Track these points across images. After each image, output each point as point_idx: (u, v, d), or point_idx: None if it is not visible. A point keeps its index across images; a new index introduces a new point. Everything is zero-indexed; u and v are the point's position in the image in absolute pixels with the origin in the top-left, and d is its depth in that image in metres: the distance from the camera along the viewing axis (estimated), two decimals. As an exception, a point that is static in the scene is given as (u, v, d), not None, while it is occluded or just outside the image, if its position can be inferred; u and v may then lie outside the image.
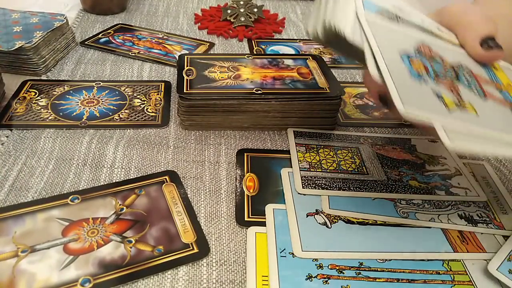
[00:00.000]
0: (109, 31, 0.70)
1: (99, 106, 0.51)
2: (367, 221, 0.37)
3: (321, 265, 0.33)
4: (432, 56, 0.34)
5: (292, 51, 0.68)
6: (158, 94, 0.54)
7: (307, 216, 0.37)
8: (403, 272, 0.33)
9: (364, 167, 0.43)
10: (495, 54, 0.37)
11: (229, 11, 0.76)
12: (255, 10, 0.76)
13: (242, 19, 0.74)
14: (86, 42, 0.65)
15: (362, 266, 0.34)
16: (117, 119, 0.49)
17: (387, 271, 0.33)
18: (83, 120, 0.48)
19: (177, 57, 0.58)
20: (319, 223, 0.37)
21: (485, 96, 0.34)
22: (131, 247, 0.34)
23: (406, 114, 0.28)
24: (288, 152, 0.45)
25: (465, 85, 0.34)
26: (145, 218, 0.36)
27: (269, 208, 0.38)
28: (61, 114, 0.49)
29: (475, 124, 0.31)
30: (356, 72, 0.63)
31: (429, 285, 0.33)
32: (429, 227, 0.37)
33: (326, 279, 0.32)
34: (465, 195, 0.41)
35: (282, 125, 0.49)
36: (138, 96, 0.53)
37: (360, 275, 0.33)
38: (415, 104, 0.29)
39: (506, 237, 0.37)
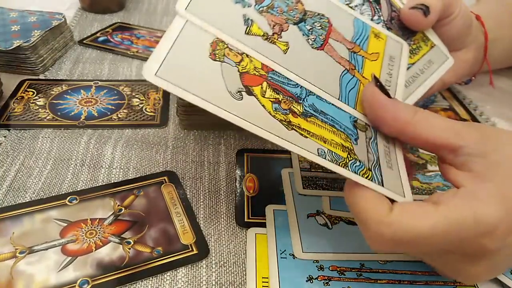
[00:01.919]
0: (107, 30, 0.70)
1: (97, 105, 0.50)
2: (368, 221, 0.37)
3: (321, 266, 0.33)
4: None
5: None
6: (156, 94, 0.53)
7: (308, 217, 0.37)
8: (405, 273, 0.33)
9: (364, 167, 0.43)
10: (418, 16, 0.38)
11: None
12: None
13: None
14: (84, 41, 0.65)
15: (363, 267, 0.33)
16: (115, 119, 0.48)
17: (389, 273, 0.33)
18: (81, 120, 0.48)
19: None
20: (320, 224, 0.37)
21: (320, 48, 0.33)
22: (129, 248, 0.33)
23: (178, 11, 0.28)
24: (288, 152, 0.45)
25: (303, 32, 0.33)
26: (144, 219, 0.36)
27: (269, 209, 0.38)
28: (59, 114, 0.48)
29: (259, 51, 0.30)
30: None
31: (431, 287, 0.32)
32: (431, 228, 0.37)
33: (327, 281, 0.32)
34: None
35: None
36: (137, 96, 0.53)
37: (361, 277, 0.33)
38: (200, 11, 0.28)
39: (508, 238, 0.37)
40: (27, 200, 0.37)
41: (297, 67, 0.31)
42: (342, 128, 0.30)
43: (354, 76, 0.33)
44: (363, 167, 0.29)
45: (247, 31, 0.30)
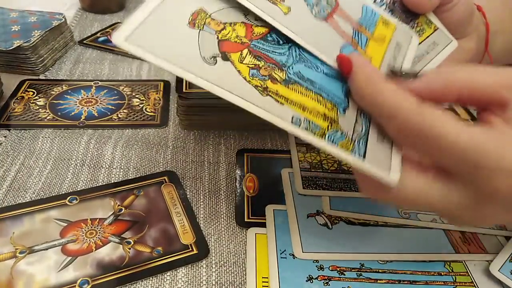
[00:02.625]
0: (107, 30, 0.70)
1: (98, 105, 0.50)
2: (368, 222, 0.37)
3: (321, 266, 0.33)
4: None
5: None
6: (157, 94, 0.53)
7: (308, 217, 0.37)
8: (405, 273, 0.33)
9: (364, 167, 0.43)
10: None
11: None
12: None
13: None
14: (84, 41, 0.65)
15: (363, 267, 0.33)
16: (115, 119, 0.48)
17: (389, 273, 0.33)
18: (81, 120, 0.48)
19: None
20: (320, 224, 0.37)
21: (325, 19, 0.32)
22: (129, 248, 0.33)
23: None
24: (288, 152, 0.45)
25: (307, 2, 0.31)
26: (144, 219, 0.36)
27: (269, 209, 0.38)
28: (59, 114, 0.48)
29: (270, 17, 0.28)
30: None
31: (431, 287, 0.32)
32: (431, 228, 0.37)
33: (327, 281, 0.32)
34: None
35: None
36: (137, 96, 0.53)
37: (361, 277, 0.33)
38: None
39: (508, 238, 0.37)
40: (27, 200, 0.37)
41: (298, 29, 0.29)
42: (330, 97, 0.28)
43: (356, 50, 0.32)
44: (343, 138, 0.27)
45: None
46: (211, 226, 0.36)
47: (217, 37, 0.27)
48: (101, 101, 0.51)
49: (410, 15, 0.40)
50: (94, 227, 0.35)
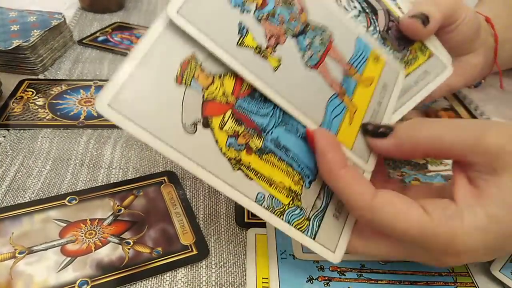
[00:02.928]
0: (107, 29, 0.69)
1: (97, 105, 0.50)
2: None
3: (322, 267, 0.33)
4: (290, 1, 0.30)
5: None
6: (156, 94, 0.53)
7: (308, 217, 0.37)
8: (405, 274, 0.33)
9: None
10: (416, 26, 0.38)
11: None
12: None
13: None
14: (84, 41, 0.65)
15: (363, 268, 0.33)
16: (115, 119, 0.48)
17: (389, 273, 0.33)
18: (80, 120, 0.48)
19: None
20: (320, 224, 0.36)
21: (315, 67, 0.31)
22: (129, 249, 0.33)
23: (169, 13, 0.25)
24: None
25: (300, 46, 0.30)
26: (144, 219, 0.36)
27: (269, 209, 0.37)
28: (58, 113, 0.48)
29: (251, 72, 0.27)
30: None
31: (432, 287, 0.32)
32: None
33: (327, 281, 0.32)
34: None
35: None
36: (137, 96, 0.52)
37: (361, 277, 0.32)
38: (194, 16, 0.25)
39: (508, 238, 0.37)
40: (27, 200, 0.37)
41: (284, 88, 0.29)
42: (300, 168, 0.29)
43: (342, 101, 0.32)
44: (301, 216, 0.28)
45: (239, 42, 0.27)
46: (211, 226, 0.36)
47: (203, 97, 0.26)
48: (100, 101, 0.51)
49: (404, 42, 0.39)
50: (94, 228, 0.35)
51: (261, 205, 0.27)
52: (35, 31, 0.55)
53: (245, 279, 0.32)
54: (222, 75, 0.27)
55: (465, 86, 0.50)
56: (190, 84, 0.26)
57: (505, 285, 0.33)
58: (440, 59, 0.40)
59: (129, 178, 0.41)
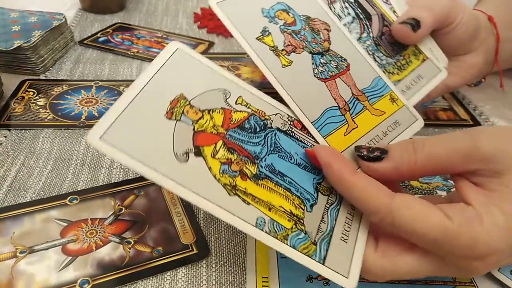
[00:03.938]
0: (108, 30, 0.70)
1: (98, 106, 0.50)
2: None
3: (321, 266, 0.33)
4: (318, 30, 0.35)
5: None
6: (157, 94, 0.53)
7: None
8: (404, 273, 0.33)
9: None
10: (406, 31, 0.39)
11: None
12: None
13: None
14: (84, 41, 0.65)
15: (363, 267, 0.33)
16: (116, 119, 0.48)
17: (388, 272, 0.33)
18: (81, 120, 0.48)
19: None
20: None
21: (325, 80, 0.33)
22: (130, 248, 0.33)
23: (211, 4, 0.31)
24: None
25: (314, 61, 0.33)
26: (144, 219, 0.36)
27: (269, 209, 0.38)
28: (59, 114, 0.48)
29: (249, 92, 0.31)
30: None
31: (431, 286, 0.32)
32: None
33: (327, 281, 0.32)
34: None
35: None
36: (137, 96, 0.53)
37: (361, 276, 0.32)
38: (228, 8, 0.31)
39: (507, 238, 0.37)
40: (28, 200, 0.38)
41: (287, 83, 0.31)
42: (299, 192, 0.28)
43: (343, 115, 0.32)
44: (306, 240, 0.27)
45: (259, 38, 0.31)
46: (211, 226, 0.36)
47: (193, 128, 0.27)
48: (101, 101, 0.51)
49: (398, 47, 0.40)
50: (95, 227, 0.35)
51: (262, 230, 0.26)
52: (36, 31, 0.56)
53: (245, 279, 0.32)
54: (211, 111, 0.28)
55: (463, 85, 0.50)
56: (180, 119, 0.27)
57: (504, 285, 0.33)
58: (434, 63, 0.40)
59: (130, 178, 0.41)
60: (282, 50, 0.32)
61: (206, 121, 0.27)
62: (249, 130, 0.29)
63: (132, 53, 0.62)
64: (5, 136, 0.45)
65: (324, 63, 0.33)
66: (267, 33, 0.32)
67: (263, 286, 0.31)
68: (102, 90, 0.53)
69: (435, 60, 0.40)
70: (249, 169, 0.27)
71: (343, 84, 0.33)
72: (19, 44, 0.53)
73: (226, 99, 0.29)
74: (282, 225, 0.27)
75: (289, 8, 0.35)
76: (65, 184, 0.40)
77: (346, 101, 0.33)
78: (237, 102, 0.29)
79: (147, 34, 0.69)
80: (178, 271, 0.33)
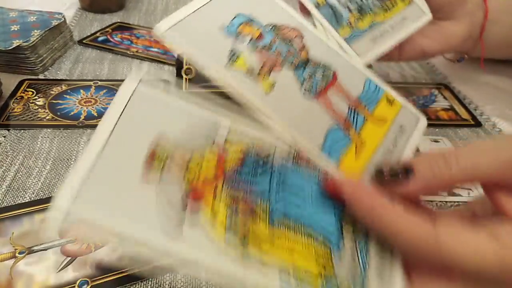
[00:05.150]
0: (107, 29, 0.69)
1: (97, 105, 0.50)
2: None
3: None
4: (290, 39, 0.29)
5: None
6: (157, 94, 0.53)
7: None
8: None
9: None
10: None
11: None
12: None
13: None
14: (84, 41, 0.65)
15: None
16: (115, 119, 0.48)
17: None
18: (80, 120, 0.48)
19: (176, 56, 0.57)
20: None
21: (316, 96, 0.28)
22: (129, 249, 0.33)
23: (157, 33, 0.24)
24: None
25: (298, 77, 0.28)
26: (144, 219, 0.36)
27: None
28: (58, 113, 0.48)
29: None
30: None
31: (431, 287, 0.32)
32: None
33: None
34: (467, 195, 0.41)
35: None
36: (137, 96, 0.52)
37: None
38: (182, 33, 0.25)
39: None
40: (27, 200, 0.37)
41: (276, 112, 0.26)
42: (322, 236, 0.24)
43: (347, 134, 0.28)
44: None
45: (228, 64, 0.26)
46: (211, 226, 0.36)
47: (182, 187, 0.22)
48: (100, 101, 0.51)
49: None
50: (94, 228, 0.35)
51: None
52: (35, 31, 0.55)
53: (245, 279, 0.32)
54: (200, 155, 0.24)
55: (439, 53, 0.48)
56: (160, 180, 0.22)
57: (505, 285, 0.33)
58: (420, 6, 0.40)
59: (129, 178, 0.40)
60: (259, 73, 0.27)
61: (197, 166, 0.23)
62: (250, 175, 0.24)
63: (131, 53, 0.62)
64: (4, 136, 0.45)
65: (309, 75, 0.29)
66: (235, 56, 0.26)
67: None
68: (101, 90, 0.53)
69: (420, 4, 0.40)
70: (259, 208, 0.23)
71: (336, 96, 0.29)
72: (18, 44, 0.53)
73: (213, 141, 0.25)
74: (308, 281, 0.22)
75: (250, 20, 0.29)
76: (64, 184, 0.39)
77: (345, 116, 0.29)
78: (227, 140, 0.25)
79: (146, 34, 0.69)
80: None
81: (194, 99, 0.25)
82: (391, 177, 0.25)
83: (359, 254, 0.25)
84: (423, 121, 0.33)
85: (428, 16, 0.40)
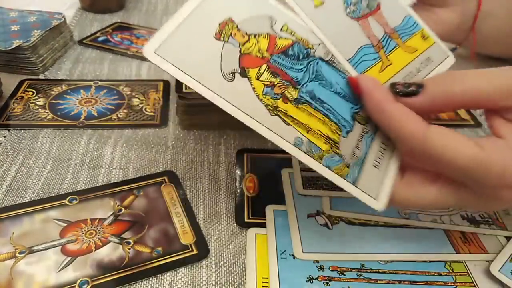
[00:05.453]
0: (107, 29, 0.69)
1: (97, 105, 0.50)
2: (368, 222, 0.37)
3: (322, 266, 0.33)
4: None
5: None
6: (156, 94, 0.53)
7: (308, 217, 0.37)
8: (405, 273, 0.33)
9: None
10: None
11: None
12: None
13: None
14: (84, 41, 0.65)
15: (363, 267, 0.33)
16: (115, 119, 0.48)
17: (389, 273, 0.33)
18: (81, 120, 0.48)
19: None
20: (320, 224, 0.36)
21: (358, 19, 0.33)
22: (129, 249, 0.33)
23: (146, 56, 0.27)
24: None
25: (346, 0, 0.33)
26: (144, 219, 0.36)
27: (270, 209, 0.37)
28: (58, 114, 0.48)
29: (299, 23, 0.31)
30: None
31: (431, 287, 0.32)
32: (431, 228, 0.37)
33: (327, 281, 0.32)
34: None
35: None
36: (137, 96, 0.53)
37: (361, 277, 0.32)
38: (175, 55, 0.28)
39: (508, 238, 0.37)
40: (27, 200, 0.37)
41: (320, 23, 0.31)
42: (336, 119, 0.30)
43: (377, 52, 0.33)
44: (340, 162, 0.29)
45: None
46: (211, 226, 0.36)
47: (240, 51, 0.29)
48: (100, 101, 0.51)
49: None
50: (94, 227, 0.35)
51: (299, 148, 0.28)
52: (35, 31, 0.55)
53: (245, 279, 0.32)
54: (257, 35, 0.29)
55: None
56: (227, 40, 0.28)
57: (504, 285, 0.33)
58: (442, 47, 0.39)
59: (130, 178, 0.41)
60: None
61: (252, 44, 0.29)
62: (293, 57, 0.30)
63: (131, 53, 0.62)
64: (4, 136, 0.45)
65: (355, 2, 0.33)
66: None
67: (263, 286, 0.31)
68: (101, 90, 0.53)
69: (442, 45, 0.39)
70: (290, 93, 0.29)
71: (375, 22, 0.34)
72: (18, 44, 0.53)
73: (272, 25, 0.30)
74: (318, 146, 0.29)
75: None
76: (65, 184, 0.40)
77: (379, 39, 0.33)
78: (282, 29, 0.30)
79: (146, 34, 0.69)
80: (178, 271, 0.33)
81: None
82: (404, 89, 0.29)
83: (363, 144, 0.30)
84: (451, 58, 0.36)
85: (452, 58, 0.38)
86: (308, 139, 0.28)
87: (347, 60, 0.32)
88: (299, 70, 0.30)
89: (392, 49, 0.34)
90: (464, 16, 0.47)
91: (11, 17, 0.59)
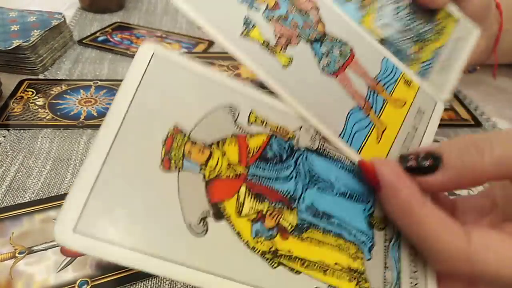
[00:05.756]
0: (107, 29, 0.69)
1: (97, 105, 0.50)
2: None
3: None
4: (306, 11, 0.27)
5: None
6: (156, 94, 0.53)
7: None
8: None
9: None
10: None
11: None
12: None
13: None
14: (84, 41, 0.65)
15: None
16: (115, 119, 0.48)
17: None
18: (80, 120, 0.48)
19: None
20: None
21: (335, 74, 0.26)
22: (129, 249, 0.33)
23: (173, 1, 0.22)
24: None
25: (316, 52, 0.26)
26: (144, 219, 0.36)
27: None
28: (58, 113, 0.48)
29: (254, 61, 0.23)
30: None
31: (431, 287, 0.32)
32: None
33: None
34: (467, 195, 0.41)
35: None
36: (137, 96, 0.52)
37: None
38: (198, 4, 0.22)
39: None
40: (27, 200, 0.37)
41: (294, 89, 0.24)
42: (352, 235, 0.23)
43: (368, 116, 0.27)
44: None
45: (243, 33, 0.23)
46: (211, 226, 0.36)
47: (203, 177, 0.20)
48: (100, 101, 0.51)
49: (429, 14, 0.35)
50: (94, 228, 0.35)
51: None
52: (35, 31, 0.55)
53: (245, 279, 0.32)
54: (221, 142, 0.21)
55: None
56: (182, 167, 0.20)
57: (505, 285, 0.33)
58: (467, 21, 0.36)
59: (129, 178, 0.40)
60: (276, 45, 0.25)
61: (218, 160, 0.21)
62: (274, 161, 0.22)
63: (131, 53, 0.62)
64: (4, 136, 0.45)
65: (326, 52, 0.27)
66: (251, 25, 0.24)
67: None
68: (101, 90, 0.53)
69: (465, 19, 0.36)
70: (287, 220, 0.22)
71: (355, 75, 0.27)
72: (18, 44, 0.53)
73: (235, 119, 0.22)
74: None
75: None
76: (64, 184, 0.39)
77: (365, 96, 0.27)
78: (250, 121, 0.23)
79: (146, 34, 0.69)
80: (178, 271, 0.32)
81: (210, 69, 0.22)
82: (419, 164, 0.22)
83: (390, 258, 0.23)
84: (440, 105, 0.31)
85: (477, 30, 0.36)
86: (329, 285, 0.21)
87: (339, 135, 0.25)
88: (288, 179, 0.22)
89: (382, 107, 0.28)
90: (489, 40, 0.47)
91: (10, 17, 0.58)
